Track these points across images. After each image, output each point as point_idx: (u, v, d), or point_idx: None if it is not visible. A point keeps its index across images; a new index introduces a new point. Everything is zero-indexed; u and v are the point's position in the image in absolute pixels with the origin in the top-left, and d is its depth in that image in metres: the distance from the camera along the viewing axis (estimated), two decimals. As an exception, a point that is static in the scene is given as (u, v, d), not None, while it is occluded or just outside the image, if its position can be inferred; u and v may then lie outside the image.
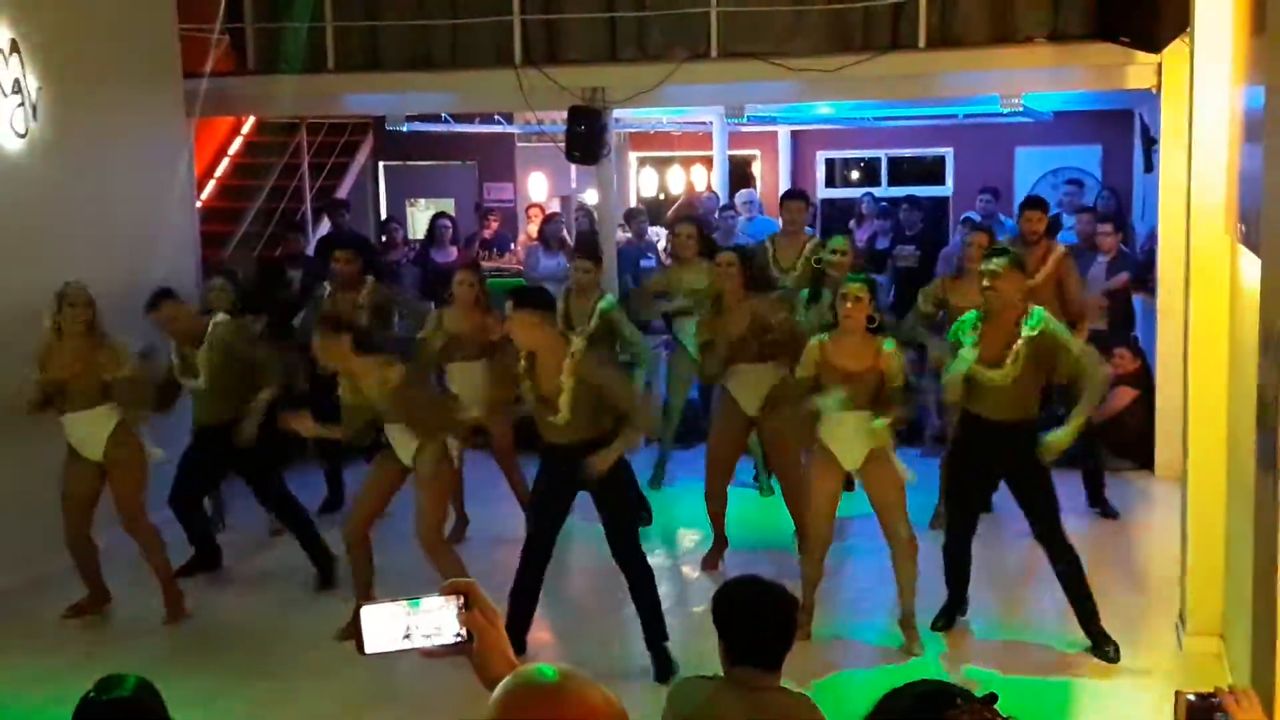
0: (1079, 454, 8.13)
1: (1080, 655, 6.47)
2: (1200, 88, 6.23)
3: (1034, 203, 8.62)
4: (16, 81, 7.94)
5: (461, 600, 2.12)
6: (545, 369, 6.25)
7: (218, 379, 7.50)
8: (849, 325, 6.41)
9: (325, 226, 12.87)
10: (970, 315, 6.52)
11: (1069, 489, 7.80)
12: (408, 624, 2.10)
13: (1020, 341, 6.29)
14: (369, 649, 2.10)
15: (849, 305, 6.39)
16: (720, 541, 7.99)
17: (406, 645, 2.10)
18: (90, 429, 7.05)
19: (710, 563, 7.93)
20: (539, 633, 6.86)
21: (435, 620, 2.10)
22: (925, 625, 6.72)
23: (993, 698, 1.81)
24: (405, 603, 2.11)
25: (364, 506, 6.93)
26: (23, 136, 8.00)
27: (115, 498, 7.13)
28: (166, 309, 7.47)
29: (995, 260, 6.34)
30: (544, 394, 6.26)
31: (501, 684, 1.87)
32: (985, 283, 6.33)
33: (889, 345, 6.44)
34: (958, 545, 6.77)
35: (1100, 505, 8.67)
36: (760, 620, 3.73)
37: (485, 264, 12.48)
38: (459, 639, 2.10)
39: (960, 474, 6.82)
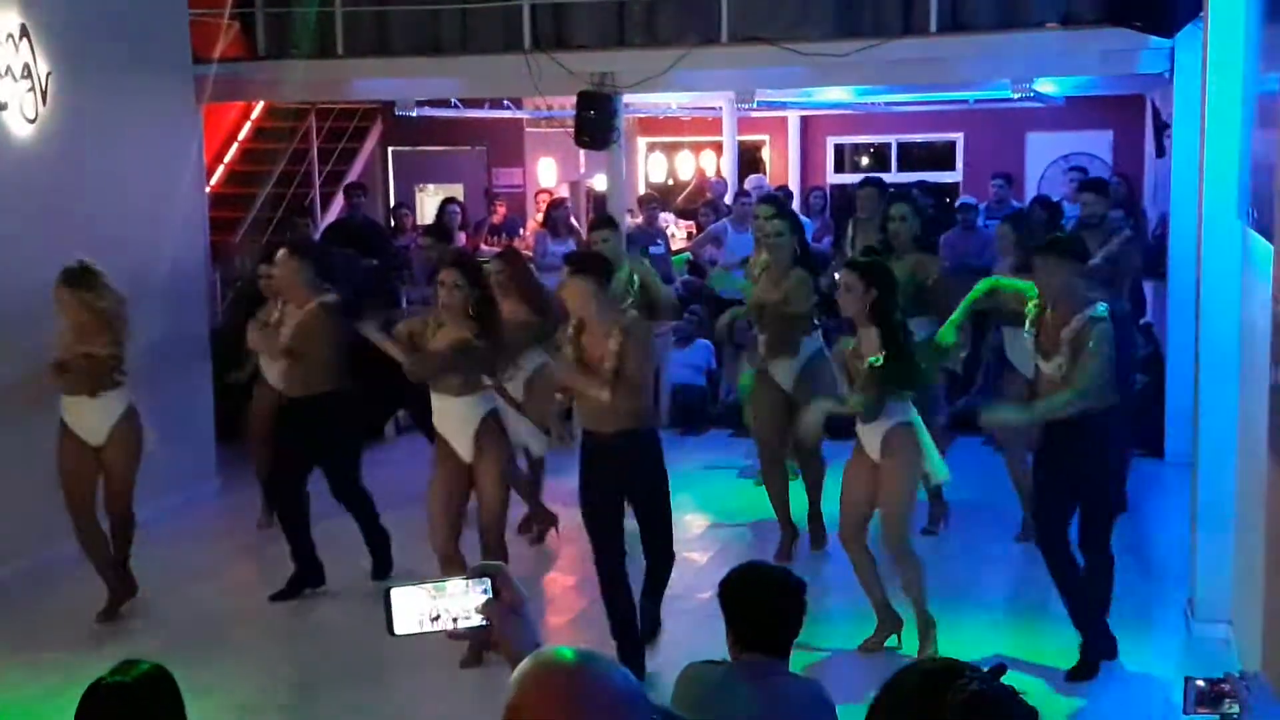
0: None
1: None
2: (1214, 73, 6.20)
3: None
4: (26, 66, 7.91)
5: (488, 584, 2.12)
6: (593, 339, 5.94)
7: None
8: None
9: (334, 212, 12.88)
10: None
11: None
12: (435, 606, 2.12)
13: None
14: (398, 630, 2.12)
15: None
16: (788, 530, 7.64)
17: (434, 628, 2.12)
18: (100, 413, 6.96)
19: (781, 554, 7.45)
20: (553, 617, 6.84)
21: (462, 603, 2.12)
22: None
23: (1001, 669, 1.81)
24: (431, 585, 2.13)
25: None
26: (32, 121, 7.98)
27: (110, 478, 6.99)
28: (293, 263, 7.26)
29: None
30: (589, 363, 5.91)
31: (520, 666, 1.87)
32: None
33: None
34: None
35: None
36: (768, 606, 3.73)
37: (490, 249, 12.47)
38: (483, 624, 2.11)
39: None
